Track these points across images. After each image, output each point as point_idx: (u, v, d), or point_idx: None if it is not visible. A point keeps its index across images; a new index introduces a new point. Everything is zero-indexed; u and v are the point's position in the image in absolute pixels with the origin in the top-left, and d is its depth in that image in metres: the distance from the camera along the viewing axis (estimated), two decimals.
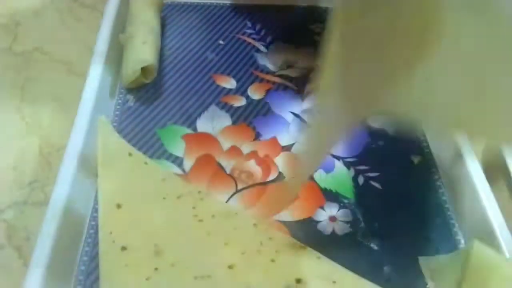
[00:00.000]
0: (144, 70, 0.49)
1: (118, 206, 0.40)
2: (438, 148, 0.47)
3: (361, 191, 0.43)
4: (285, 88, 0.52)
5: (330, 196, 0.43)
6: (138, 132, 0.46)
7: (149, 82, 0.50)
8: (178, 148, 0.45)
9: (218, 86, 0.51)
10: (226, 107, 0.49)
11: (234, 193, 0.42)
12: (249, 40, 0.57)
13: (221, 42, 0.56)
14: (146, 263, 0.37)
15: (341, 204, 0.42)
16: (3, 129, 0.48)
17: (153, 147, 0.45)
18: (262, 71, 0.53)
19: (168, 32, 0.57)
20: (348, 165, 0.45)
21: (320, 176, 0.44)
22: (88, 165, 0.41)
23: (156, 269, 0.37)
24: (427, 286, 0.38)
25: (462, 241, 0.41)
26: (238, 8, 0.60)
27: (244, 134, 0.47)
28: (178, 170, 0.44)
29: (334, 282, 0.37)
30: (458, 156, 0.43)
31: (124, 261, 0.37)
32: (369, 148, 0.47)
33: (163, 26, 0.57)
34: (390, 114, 0.39)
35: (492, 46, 0.25)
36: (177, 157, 0.45)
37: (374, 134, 0.48)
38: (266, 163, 0.45)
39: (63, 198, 0.37)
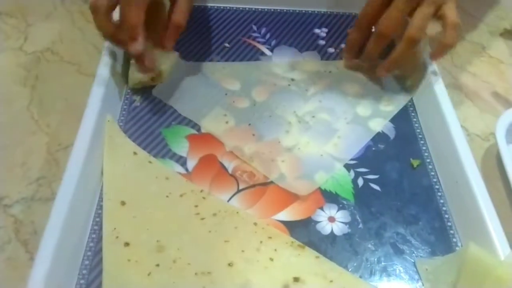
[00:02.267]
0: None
1: (122, 203, 0.41)
2: (437, 153, 0.47)
3: (361, 193, 0.44)
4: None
5: (330, 197, 0.44)
6: (144, 132, 0.47)
7: (156, 84, 0.51)
8: (182, 148, 0.46)
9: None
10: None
11: (236, 193, 0.43)
12: (254, 43, 0.57)
13: (226, 45, 0.57)
14: (148, 259, 0.38)
15: (340, 205, 0.43)
16: (12, 127, 0.49)
17: (157, 147, 0.46)
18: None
19: None
20: (348, 167, 0.46)
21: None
22: (94, 163, 0.42)
23: (157, 265, 0.38)
24: (423, 287, 0.38)
25: (459, 244, 0.41)
26: (243, 12, 0.61)
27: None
28: (182, 170, 0.45)
29: (331, 281, 0.38)
30: (457, 161, 0.43)
31: (126, 257, 0.38)
32: (370, 151, 0.47)
33: None
34: None
35: None
36: (181, 157, 0.46)
37: (375, 137, 0.49)
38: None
39: (69, 194, 0.38)
